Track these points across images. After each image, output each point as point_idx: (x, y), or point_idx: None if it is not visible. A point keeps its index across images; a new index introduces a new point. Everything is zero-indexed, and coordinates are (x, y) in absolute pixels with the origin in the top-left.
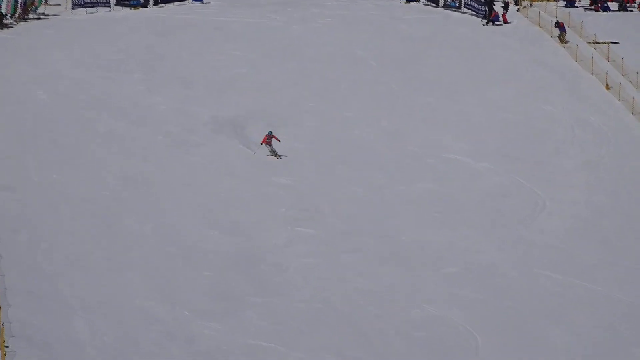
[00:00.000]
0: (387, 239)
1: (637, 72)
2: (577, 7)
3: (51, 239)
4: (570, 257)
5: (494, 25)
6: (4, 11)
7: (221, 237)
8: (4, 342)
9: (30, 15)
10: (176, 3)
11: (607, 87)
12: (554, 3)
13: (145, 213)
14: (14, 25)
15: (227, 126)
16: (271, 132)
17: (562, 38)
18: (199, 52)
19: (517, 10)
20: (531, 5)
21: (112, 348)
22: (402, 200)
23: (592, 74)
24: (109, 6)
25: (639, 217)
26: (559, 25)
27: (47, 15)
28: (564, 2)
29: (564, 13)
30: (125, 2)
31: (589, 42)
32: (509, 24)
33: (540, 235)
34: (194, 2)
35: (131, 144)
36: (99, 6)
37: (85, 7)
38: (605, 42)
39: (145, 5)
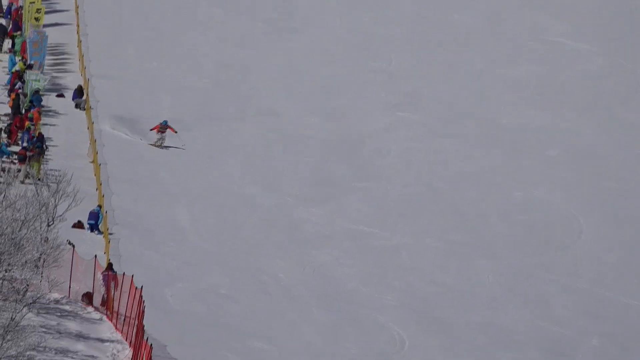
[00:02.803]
0: (487, 123)
1: None
2: None
3: (151, 126)
4: None
5: None
6: None
7: (321, 122)
8: (107, 229)
9: None
10: None
11: None
12: None
13: (245, 100)
14: None
15: (324, 11)
16: (166, 121)
17: None
18: None
19: None
20: None
21: (214, 234)
22: (502, 83)
23: None
24: None
25: None
26: None
27: None
28: None
29: None
30: None
31: None
32: None
33: None
34: None
35: (229, 31)
36: None
37: None
38: None
39: None
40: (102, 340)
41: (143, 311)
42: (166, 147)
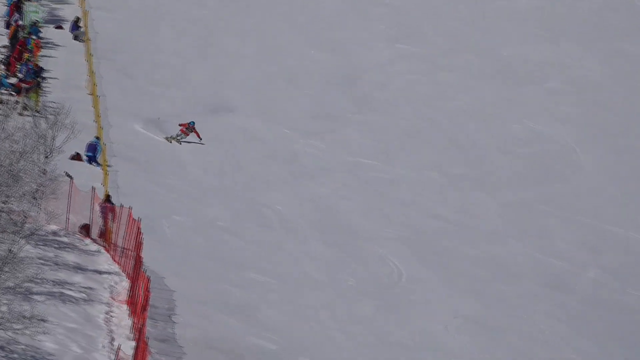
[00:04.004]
0: (488, 55)
1: None
2: None
3: (152, 58)
4: None
5: None
6: None
7: (322, 55)
8: (106, 161)
9: None
10: None
11: None
12: None
13: (246, 33)
14: None
15: None
16: (194, 122)
17: None
18: None
19: None
20: None
21: (214, 167)
22: (503, 16)
23: None
24: None
25: None
26: None
27: None
28: None
29: None
30: None
31: None
32: None
33: None
34: None
35: None
36: None
37: None
38: None
39: None
40: (99, 272)
41: (141, 243)
42: (183, 141)
